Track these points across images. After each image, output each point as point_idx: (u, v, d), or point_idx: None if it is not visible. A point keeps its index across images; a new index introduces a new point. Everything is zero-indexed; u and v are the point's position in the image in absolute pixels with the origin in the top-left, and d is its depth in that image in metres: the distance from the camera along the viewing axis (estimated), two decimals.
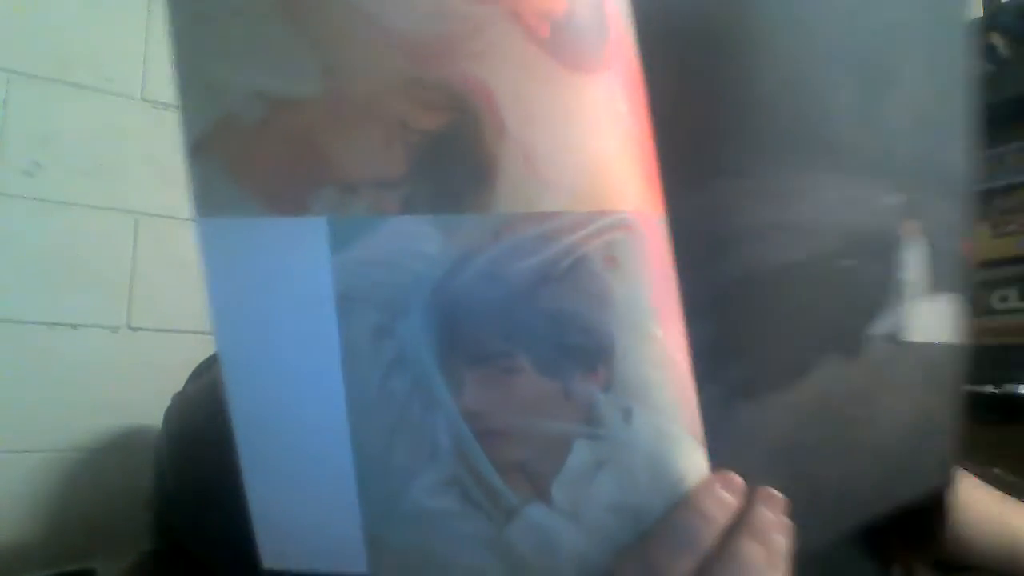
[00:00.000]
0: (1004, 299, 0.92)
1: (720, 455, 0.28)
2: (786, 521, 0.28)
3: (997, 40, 0.91)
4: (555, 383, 0.26)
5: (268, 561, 0.31)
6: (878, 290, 0.34)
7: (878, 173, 0.34)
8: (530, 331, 0.26)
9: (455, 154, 0.25)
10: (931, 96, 0.36)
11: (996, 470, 0.80)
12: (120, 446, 1.12)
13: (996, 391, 1.08)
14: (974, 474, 0.67)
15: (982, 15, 1.04)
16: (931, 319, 0.38)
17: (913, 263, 0.36)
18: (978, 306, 0.94)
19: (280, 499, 0.30)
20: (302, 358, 0.28)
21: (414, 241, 0.26)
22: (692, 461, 0.27)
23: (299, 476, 0.29)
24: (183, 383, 0.76)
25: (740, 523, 0.27)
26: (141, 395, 1.08)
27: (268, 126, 0.26)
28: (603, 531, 0.27)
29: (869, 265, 0.34)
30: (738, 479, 0.28)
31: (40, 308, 1.08)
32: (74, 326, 1.10)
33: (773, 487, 0.29)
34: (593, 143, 0.25)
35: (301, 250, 0.26)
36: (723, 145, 0.29)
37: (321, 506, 0.29)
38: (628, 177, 0.26)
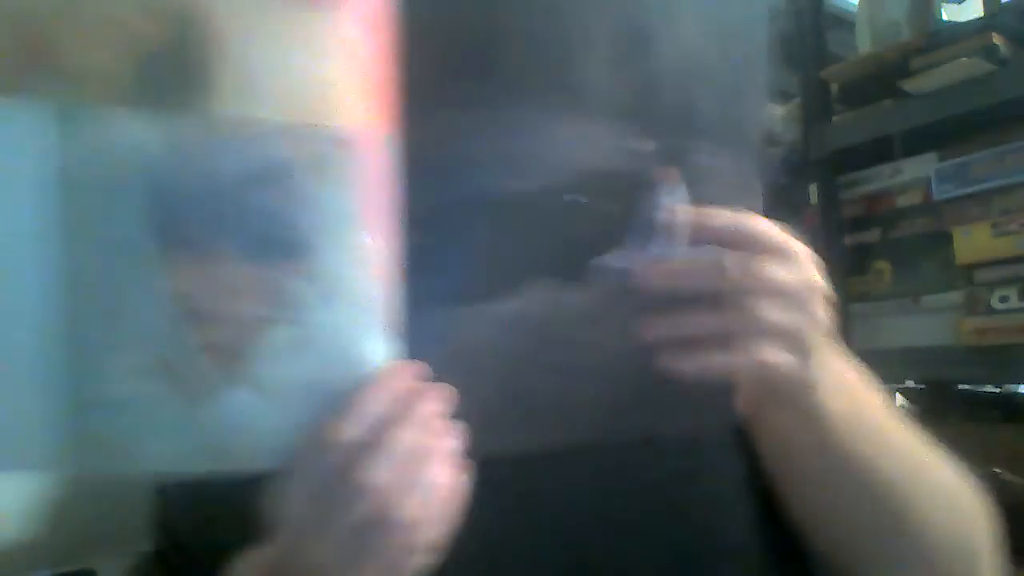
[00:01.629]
0: (1004, 299, 0.92)
1: (420, 353, 0.32)
2: (446, 414, 0.31)
3: (997, 40, 0.91)
4: (258, 270, 0.30)
5: None
6: (610, 226, 0.36)
7: (630, 119, 0.36)
8: (235, 223, 0.29)
9: (178, 61, 0.28)
10: (712, 55, 0.38)
11: (996, 470, 0.81)
12: None
13: (996, 391, 1.08)
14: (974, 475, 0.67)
15: (982, 15, 1.04)
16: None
17: (669, 207, 0.37)
18: (978, 306, 0.94)
19: None
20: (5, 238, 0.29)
21: (137, 135, 0.29)
22: (379, 350, 0.31)
23: None
24: None
25: (404, 412, 0.30)
26: None
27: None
28: (296, 409, 0.30)
29: (601, 202, 0.36)
30: (413, 370, 0.31)
31: None
32: None
33: (474, 388, 0.32)
34: (316, 66, 0.29)
35: (25, 131, 0.29)
36: (464, 76, 0.32)
37: (5, 402, 0.29)
38: (350, 98, 0.29)
